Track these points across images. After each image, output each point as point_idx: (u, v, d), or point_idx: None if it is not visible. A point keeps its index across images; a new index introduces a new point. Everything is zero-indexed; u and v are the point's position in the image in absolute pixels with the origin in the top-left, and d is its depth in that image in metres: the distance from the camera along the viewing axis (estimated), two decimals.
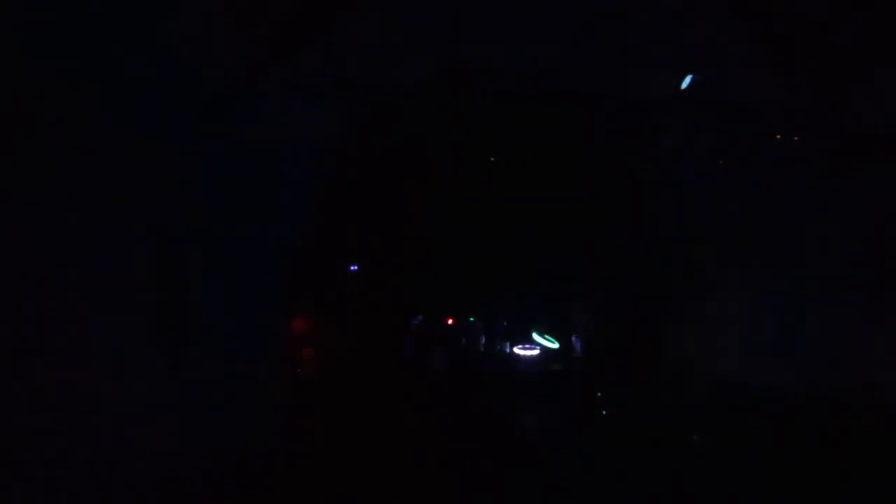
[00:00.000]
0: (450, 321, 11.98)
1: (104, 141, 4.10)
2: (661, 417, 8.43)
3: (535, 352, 11.98)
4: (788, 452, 6.51)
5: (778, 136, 7.22)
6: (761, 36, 6.08)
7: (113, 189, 4.22)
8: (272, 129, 7.00)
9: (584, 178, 11.23)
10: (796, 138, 7.21)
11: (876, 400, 6.61)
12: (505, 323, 12.26)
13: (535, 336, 12.14)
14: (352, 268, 11.27)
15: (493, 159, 11.04)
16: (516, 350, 12.08)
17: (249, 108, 5.76)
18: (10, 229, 3.23)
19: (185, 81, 5.13)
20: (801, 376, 7.84)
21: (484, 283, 11.73)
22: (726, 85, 7.03)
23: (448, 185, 10.90)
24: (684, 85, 7.11)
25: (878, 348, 6.76)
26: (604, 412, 9.36)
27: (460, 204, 11.08)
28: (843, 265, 7.29)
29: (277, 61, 5.53)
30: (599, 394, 10.06)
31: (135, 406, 4.46)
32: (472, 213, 11.18)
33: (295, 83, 6.25)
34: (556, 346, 11.99)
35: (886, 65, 5.76)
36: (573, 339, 12.25)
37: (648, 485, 5.95)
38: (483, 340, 11.95)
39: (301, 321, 10.09)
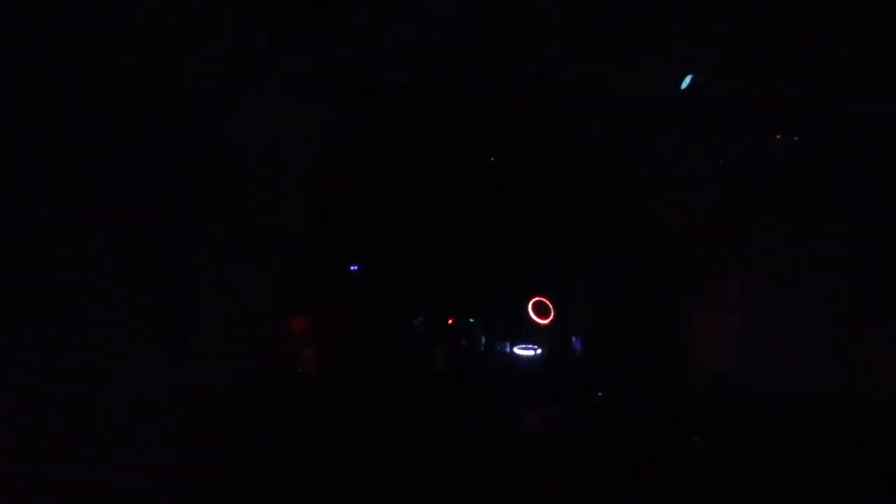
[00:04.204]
0: (450, 321, 11.96)
1: (103, 140, 4.10)
2: (662, 418, 8.42)
3: (536, 352, 11.96)
4: (789, 453, 6.50)
5: (778, 136, 7.22)
6: (761, 35, 6.08)
7: (112, 188, 4.22)
8: (272, 128, 7.00)
9: (584, 179, 11.23)
10: (796, 138, 7.21)
11: (877, 400, 6.61)
12: (505, 323, 12.24)
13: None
14: (352, 268, 11.27)
15: (492, 159, 11.03)
16: (516, 350, 12.06)
17: (249, 107, 5.76)
18: (10, 229, 3.23)
19: (184, 80, 5.13)
20: (801, 376, 7.83)
21: (484, 283, 11.71)
22: (726, 85, 7.03)
23: (448, 185, 10.90)
24: (684, 85, 7.11)
25: (878, 348, 6.76)
26: (604, 412, 9.35)
27: (460, 204, 11.08)
28: (844, 265, 7.29)
29: (277, 60, 5.53)
30: (600, 394, 10.05)
31: (134, 405, 4.46)
32: (472, 213, 11.18)
33: (295, 82, 6.25)
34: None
35: (886, 64, 5.76)
36: (573, 339, 12.23)
37: (649, 485, 5.95)
38: (483, 340, 11.93)
39: (301, 321, 10.09)
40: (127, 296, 4.41)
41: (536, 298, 12.07)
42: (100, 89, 4.02)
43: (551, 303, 12.08)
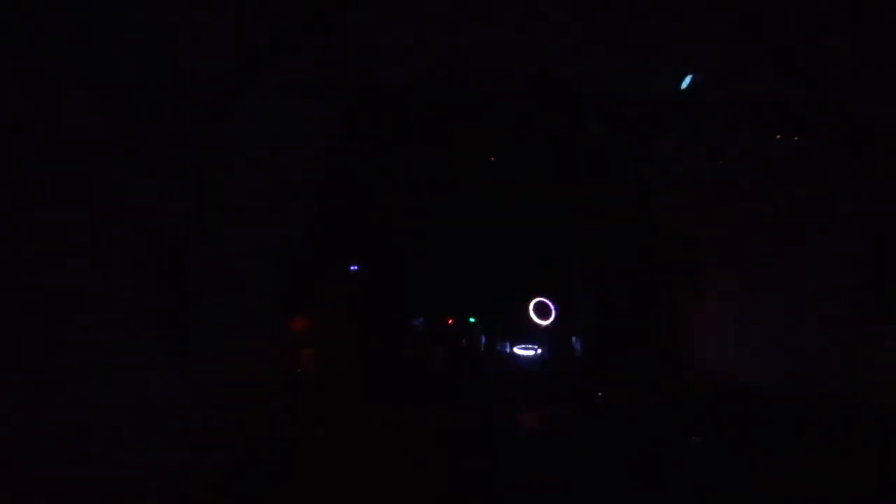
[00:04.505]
0: (450, 321, 11.96)
1: (103, 140, 4.10)
2: (661, 418, 8.41)
3: (536, 352, 11.97)
4: (789, 453, 6.50)
5: (778, 136, 7.22)
6: (761, 35, 6.08)
7: (112, 188, 4.22)
8: (271, 127, 7.00)
9: (584, 178, 11.23)
10: (796, 138, 7.21)
11: (877, 400, 6.61)
12: (505, 323, 12.23)
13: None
14: (352, 268, 11.26)
15: (492, 159, 11.04)
16: (516, 350, 12.06)
17: (249, 107, 5.76)
18: (10, 229, 3.23)
19: (184, 81, 5.13)
20: (801, 376, 7.83)
21: (484, 283, 11.70)
22: (726, 85, 7.03)
23: (448, 184, 10.90)
24: (684, 85, 7.10)
25: (878, 348, 6.75)
26: (604, 412, 9.35)
27: (460, 204, 11.08)
28: (844, 265, 7.29)
29: (277, 60, 5.53)
30: (600, 394, 10.05)
31: (134, 405, 4.46)
32: (472, 213, 11.17)
33: (295, 82, 6.25)
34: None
35: (886, 64, 5.76)
36: (573, 339, 12.22)
37: (649, 485, 5.95)
38: (483, 340, 11.92)
39: (301, 321, 10.08)
40: (127, 296, 4.41)
41: (537, 299, 12.11)
42: (100, 89, 4.02)
43: (552, 303, 12.12)
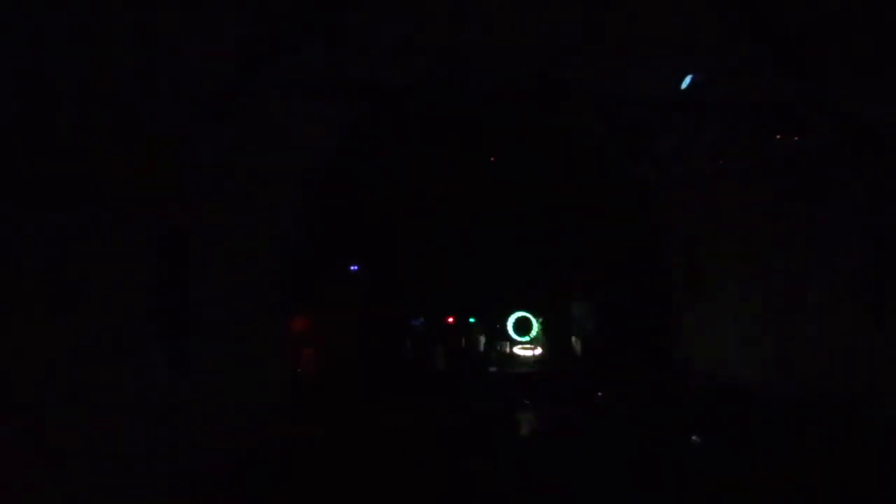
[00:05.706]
0: (450, 321, 11.95)
1: (104, 141, 4.10)
2: (661, 417, 8.42)
3: (536, 352, 11.96)
4: (788, 453, 6.50)
5: (778, 136, 7.21)
6: (762, 35, 6.08)
7: (112, 189, 4.22)
8: (272, 128, 7.00)
9: (584, 178, 11.23)
10: (797, 138, 7.21)
11: (876, 401, 6.61)
12: (505, 323, 12.22)
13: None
14: (352, 268, 11.25)
15: (492, 159, 11.04)
16: (516, 350, 12.06)
17: (249, 107, 5.76)
18: (10, 229, 3.23)
19: (184, 81, 5.13)
20: (800, 377, 7.83)
21: (484, 283, 11.70)
22: (726, 85, 7.03)
23: (448, 184, 10.90)
24: (684, 85, 7.11)
25: (878, 348, 6.76)
26: (603, 412, 9.36)
27: (460, 204, 11.08)
28: (844, 265, 7.30)
29: (277, 61, 5.53)
30: (600, 394, 10.06)
31: (134, 406, 4.46)
32: (472, 214, 11.17)
33: (294, 83, 6.25)
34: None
35: (887, 64, 5.76)
36: (573, 339, 12.22)
37: (648, 485, 5.95)
38: (483, 341, 11.92)
39: (301, 321, 10.09)
40: (127, 296, 4.41)
41: (518, 314, 12.08)
42: (100, 89, 4.02)
43: (534, 317, 12.15)
